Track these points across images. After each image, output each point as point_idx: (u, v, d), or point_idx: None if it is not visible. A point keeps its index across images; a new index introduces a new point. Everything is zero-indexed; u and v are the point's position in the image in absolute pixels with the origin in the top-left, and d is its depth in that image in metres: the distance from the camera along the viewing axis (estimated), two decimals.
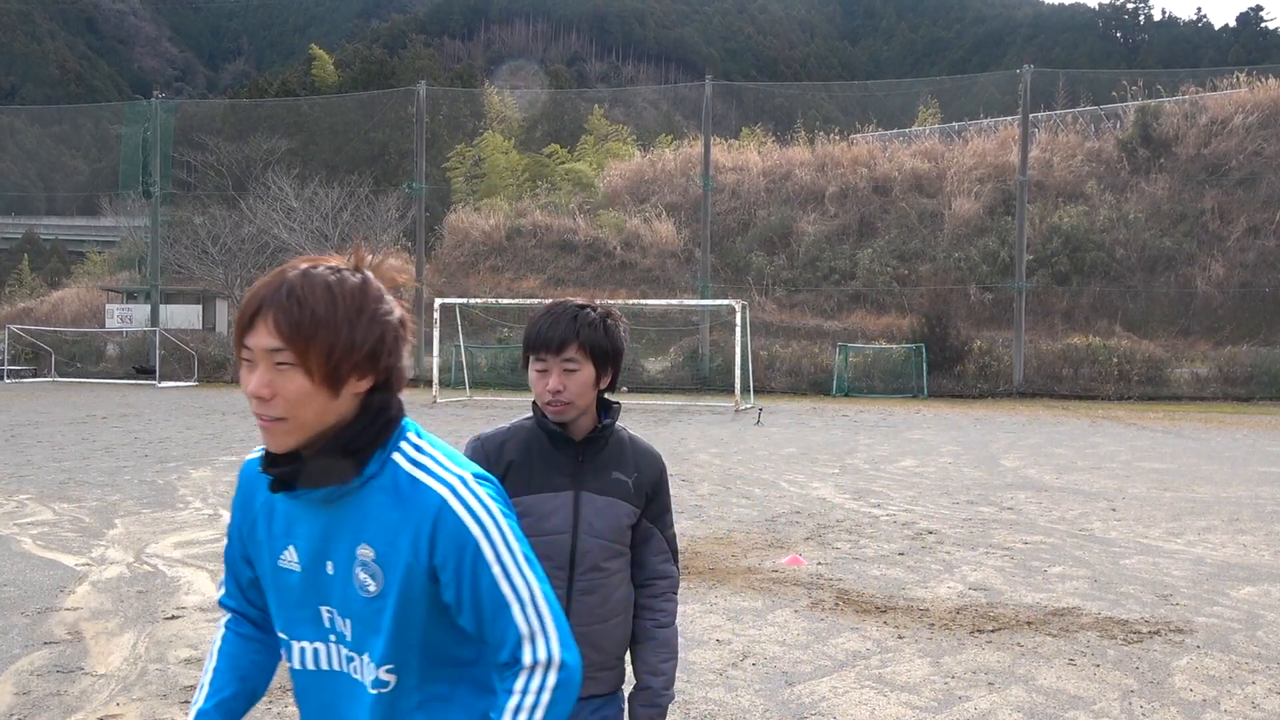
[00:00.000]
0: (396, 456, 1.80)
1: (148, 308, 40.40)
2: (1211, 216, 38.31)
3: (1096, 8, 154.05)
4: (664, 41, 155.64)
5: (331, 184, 43.71)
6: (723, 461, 15.07)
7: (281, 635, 1.91)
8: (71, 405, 24.61)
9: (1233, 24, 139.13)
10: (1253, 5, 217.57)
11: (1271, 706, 5.15)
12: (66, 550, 8.52)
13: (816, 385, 32.19)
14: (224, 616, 2.07)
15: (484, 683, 1.89)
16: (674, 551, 2.80)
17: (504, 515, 1.81)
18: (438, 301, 28.88)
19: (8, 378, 35.30)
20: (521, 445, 2.67)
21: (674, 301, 34.56)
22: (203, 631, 6.24)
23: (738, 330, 26.43)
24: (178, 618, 6.54)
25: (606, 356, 2.62)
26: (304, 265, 1.75)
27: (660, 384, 32.95)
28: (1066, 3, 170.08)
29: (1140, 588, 7.60)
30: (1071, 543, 9.29)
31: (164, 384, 33.36)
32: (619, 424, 2.76)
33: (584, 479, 2.65)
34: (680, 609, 6.79)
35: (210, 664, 2.02)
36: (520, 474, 2.64)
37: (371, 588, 1.79)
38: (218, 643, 2.04)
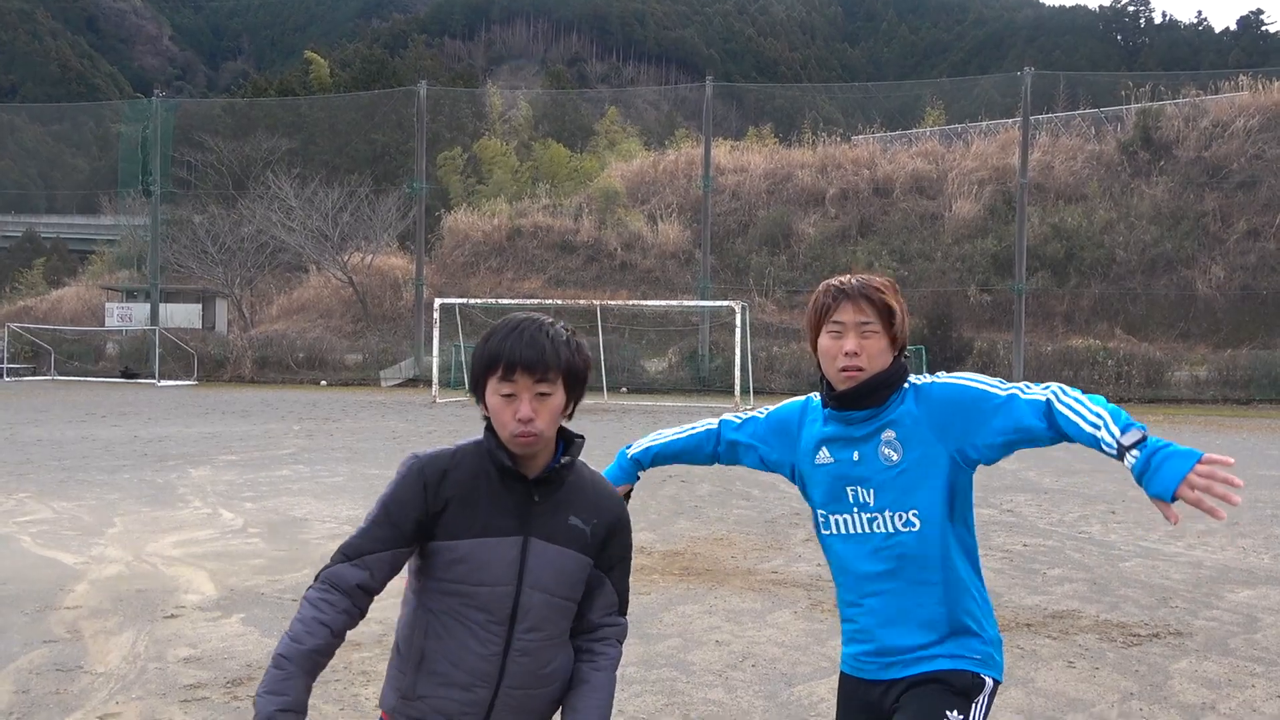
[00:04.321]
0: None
1: (147, 307, 40.39)
2: (1212, 219, 38.30)
3: (1097, 10, 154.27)
4: (664, 42, 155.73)
5: (332, 184, 43.68)
6: None
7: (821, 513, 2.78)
8: (71, 404, 24.60)
9: (1233, 27, 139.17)
10: (1253, 8, 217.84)
11: (1270, 710, 5.15)
12: (66, 549, 8.52)
13: (816, 386, 32.04)
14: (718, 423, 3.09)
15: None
16: (624, 604, 2.51)
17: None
18: (437, 301, 28.83)
19: (7, 376, 35.29)
20: (467, 478, 2.36)
21: (674, 302, 34.54)
22: (202, 630, 6.24)
23: (737, 331, 26.43)
24: (177, 616, 6.54)
25: (579, 382, 2.37)
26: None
27: (660, 385, 32.94)
28: (1067, 5, 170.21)
29: (1139, 590, 7.60)
30: (1071, 545, 9.30)
31: (163, 383, 33.35)
32: (580, 459, 2.46)
33: (535, 523, 2.35)
34: (681, 610, 6.81)
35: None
36: (462, 513, 2.33)
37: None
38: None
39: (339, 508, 10.66)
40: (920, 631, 2.63)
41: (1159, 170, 40.49)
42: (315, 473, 13.28)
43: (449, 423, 21.19)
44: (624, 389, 31.45)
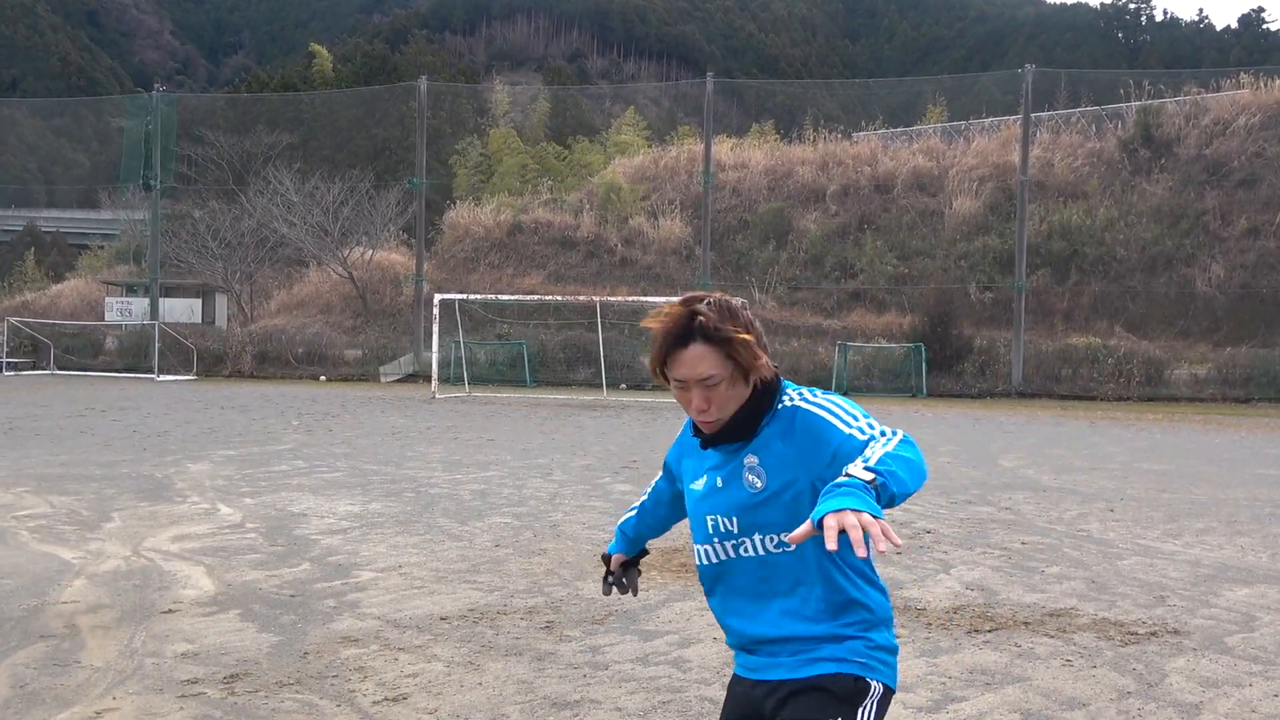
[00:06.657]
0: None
1: (147, 301, 40.38)
2: (1212, 217, 38.27)
3: (1098, 7, 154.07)
4: (665, 38, 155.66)
5: (332, 179, 43.70)
6: None
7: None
8: (70, 398, 24.60)
9: (1234, 25, 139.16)
10: (1255, 6, 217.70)
11: (1267, 709, 5.15)
12: (63, 543, 8.51)
13: (816, 383, 31.92)
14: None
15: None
16: None
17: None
18: (437, 297, 28.83)
19: (7, 370, 35.30)
20: None
21: (674, 299, 34.49)
22: (199, 626, 6.24)
23: None
24: (174, 612, 6.54)
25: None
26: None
27: (658, 381, 32.89)
28: (1069, 2, 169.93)
29: (1137, 589, 7.60)
30: (1069, 543, 9.29)
31: (162, 378, 33.35)
32: None
33: None
34: (677, 607, 6.80)
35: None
36: None
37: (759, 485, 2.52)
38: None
39: (337, 503, 10.65)
40: (799, 633, 2.53)
41: (1159, 168, 40.46)
42: (314, 468, 13.28)
43: (448, 418, 21.19)
44: (623, 385, 31.44)
